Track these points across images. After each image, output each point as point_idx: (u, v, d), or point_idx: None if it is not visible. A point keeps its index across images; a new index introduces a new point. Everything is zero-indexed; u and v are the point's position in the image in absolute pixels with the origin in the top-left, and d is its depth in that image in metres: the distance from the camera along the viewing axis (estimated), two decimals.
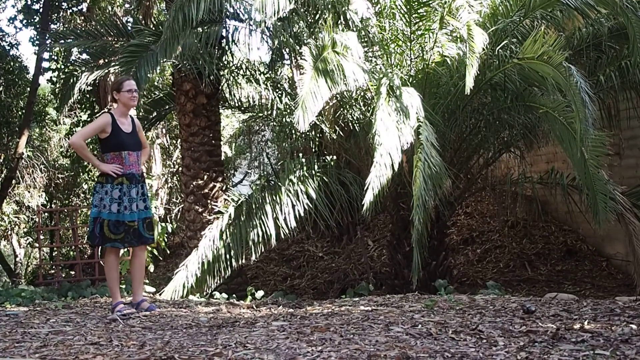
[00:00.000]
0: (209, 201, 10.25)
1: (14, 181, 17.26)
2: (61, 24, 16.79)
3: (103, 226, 5.76)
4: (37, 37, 16.41)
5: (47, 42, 14.20)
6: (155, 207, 10.29)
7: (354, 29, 8.15)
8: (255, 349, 3.83)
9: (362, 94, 8.58)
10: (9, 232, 19.76)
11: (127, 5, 16.24)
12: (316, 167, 8.66)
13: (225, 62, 10.36)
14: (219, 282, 8.60)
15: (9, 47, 16.98)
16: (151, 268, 10.21)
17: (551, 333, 3.87)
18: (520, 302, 5.35)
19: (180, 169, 13.57)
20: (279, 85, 10.29)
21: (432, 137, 6.84)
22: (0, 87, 16.45)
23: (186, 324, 5.16)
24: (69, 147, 6.21)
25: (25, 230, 20.01)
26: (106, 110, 6.37)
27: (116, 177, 5.80)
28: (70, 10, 16.96)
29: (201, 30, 8.71)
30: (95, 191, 5.89)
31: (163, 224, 10.42)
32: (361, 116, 8.69)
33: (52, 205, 19.46)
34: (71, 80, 11.13)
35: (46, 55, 16.56)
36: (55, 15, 16.91)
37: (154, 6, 14.36)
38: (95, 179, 6.00)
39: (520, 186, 9.11)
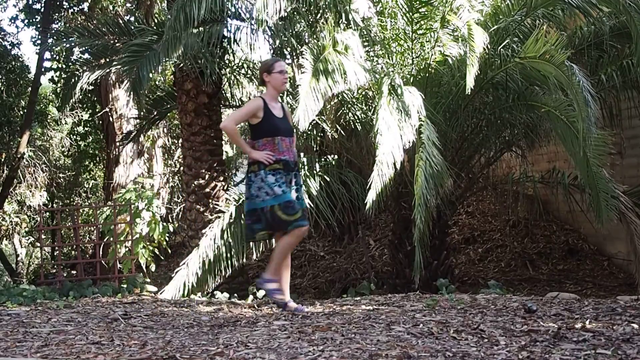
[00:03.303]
0: (210, 200, 10.25)
1: (15, 181, 17.29)
2: (62, 24, 16.80)
3: (276, 213, 5.41)
4: (39, 36, 16.45)
5: (49, 41, 14.22)
6: (156, 207, 10.28)
7: (355, 28, 8.14)
8: (256, 348, 3.82)
9: (363, 93, 8.58)
10: (11, 232, 19.78)
11: (128, 5, 16.24)
12: (317, 166, 8.67)
13: (227, 62, 10.36)
14: (220, 281, 8.61)
15: (10, 47, 17.02)
16: (152, 267, 10.22)
17: (552, 332, 3.86)
18: (522, 301, 5.35)
19: (181, 168, 13.59)
20: None
21: (433, 136, 6.85)
22: (1, 86, 16.48)
23: (187, 323, 5.16)
24: (222, 130, 5.48)
25: (26, 229, 20.04)
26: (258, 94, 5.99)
27: (268, 164, 5.47)
28: (72, 10, 16.98)
29: (203, 30, 8.71)
30: (251, 181, 5.53)
31: (164, 224, 10.42)
32: (362, 115, 8.69)
33: (54, 205, 19.50)
34: (72, 80, 11.15)
35: (47, 54, 16.61)
36: (57, 14, 16.93)
37: (155, 5, 14.38)
38: (248, 169, 5.61)
39: (521, 185, 9.11)
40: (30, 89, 16.36)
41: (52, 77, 17.26)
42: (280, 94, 6.51)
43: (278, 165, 5.49)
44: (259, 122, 5.58)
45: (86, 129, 18.67)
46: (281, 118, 5.67)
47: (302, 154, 9.14)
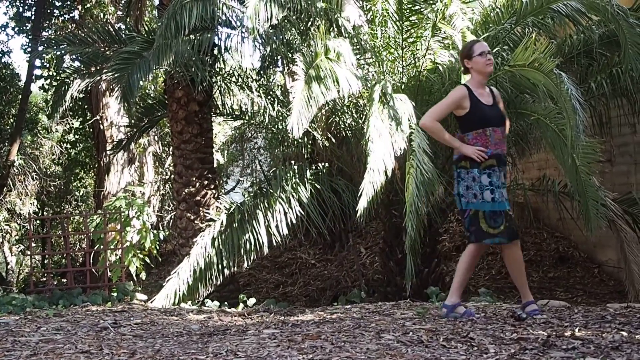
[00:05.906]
0: (201, 208, 10.22)
1: (5, 189, 17.21)
2: (53, 32, 16.77)
3: (478, 219, 5.00)
4: (29, 44, 16.40)
5: (39, 49, 14.18)
6: (147, 215, 10.25)
7: (346, 36, 8.16)
8: (246, 357, 3.82)
9: (354, 101, 8.59)
10: (1, 240, 19.68)
11: (119, 13, 16.23)
12: (308, 174, 8.65)
13: (218, 69, 10.36)
14: (210, 289, 8.58)
15: (0, 55, 16.96)
16: (143, 275, 10.18)
17: (542, 340, 3.87)
18: (512, 309, 5.36)
19: (172, 176, 13.54)
20: (271, 92, 10.30)
21: (424, 144, 6.84)
22: None
23: (177, 332, 5.14)
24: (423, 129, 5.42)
25: (16, 238, 19.93)
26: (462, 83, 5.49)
27: (481, 161, 4.99)
28: (62, 18, 16.94)
29: (193, 38, 8.70)
30: (460, 177, 5.09)
31: (155, 232, 10.40)
32: (353, 123, 8.69)
33: (44, 213, 19.41)
34: (63, 88, 11.10)
35: (38, 62, 16.55)
36: (47, 22, 16.90)
37: (145, 13, 14.36)
38: (457, 164, 5.15)
39: (512, 193, 9.10)
40: (20, 96, 16.31)
41: (43, 84, 17.22)
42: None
43: (491, 161, 5.01)
44: (466, 113, 5.13)
45: (77, 137, 18.61)
46: (491, 106, 5.22)
47: (292, 162, 9.14)
